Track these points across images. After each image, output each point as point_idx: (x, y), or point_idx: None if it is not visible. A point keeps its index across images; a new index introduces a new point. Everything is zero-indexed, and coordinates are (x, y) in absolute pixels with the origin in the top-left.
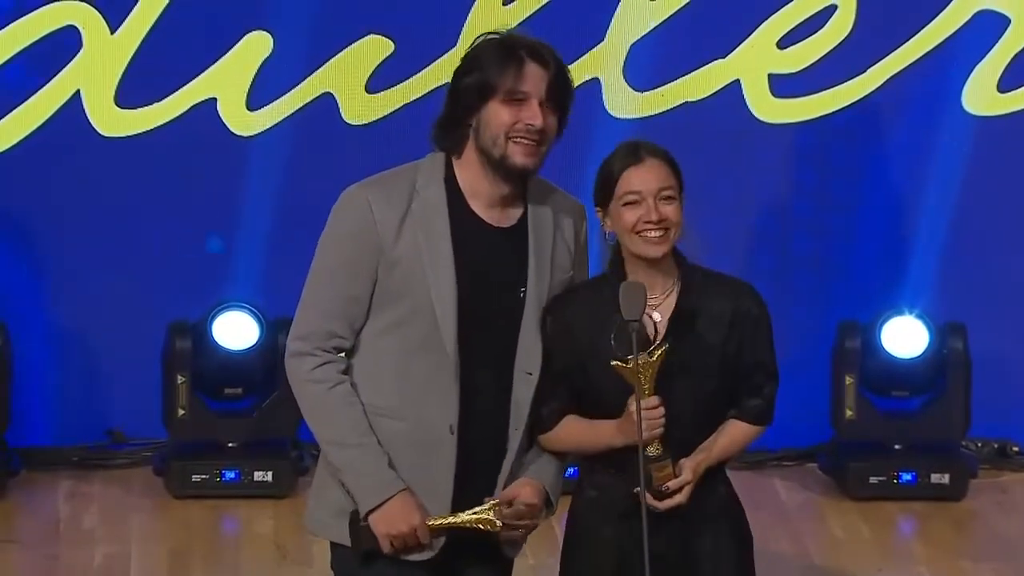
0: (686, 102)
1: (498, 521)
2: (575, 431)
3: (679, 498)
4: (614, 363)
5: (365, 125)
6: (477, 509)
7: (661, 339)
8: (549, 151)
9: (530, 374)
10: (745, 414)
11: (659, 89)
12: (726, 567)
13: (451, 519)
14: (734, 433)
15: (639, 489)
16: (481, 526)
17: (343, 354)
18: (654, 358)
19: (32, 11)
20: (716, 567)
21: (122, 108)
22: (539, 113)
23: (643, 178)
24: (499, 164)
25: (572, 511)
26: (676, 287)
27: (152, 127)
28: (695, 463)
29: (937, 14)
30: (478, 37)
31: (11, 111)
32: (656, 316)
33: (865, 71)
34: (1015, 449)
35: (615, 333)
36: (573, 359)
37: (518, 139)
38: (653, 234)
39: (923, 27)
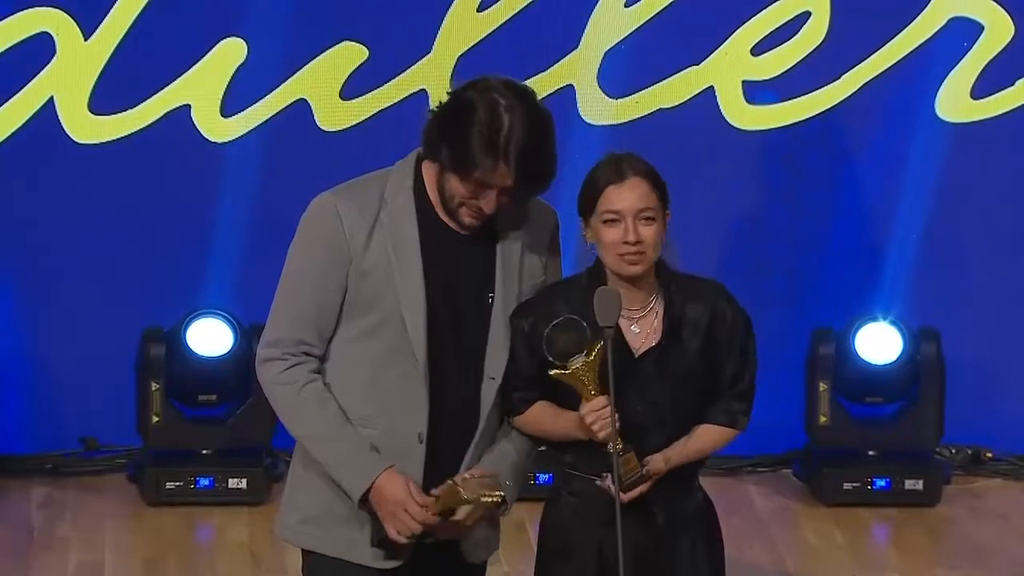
0: (660, 109)
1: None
2: (542, 415)
3: (642, 488)
4: (553, 372)
5: (340, 131)
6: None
7: (654, 347)
8: None
9: (494, 379)
10: (717, 416)
11: (633, 96)
12: (704, 568)
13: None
14: (703, 435)
15: (603, 483)
16: (485, 498)
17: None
18: (591, 358)
19: (5, 18)
20: (696, 569)
21: (96, 114)
22: (494, 202)
23: (624, 198)
24: (449, 213)
25: (549, 519)
26: (659, 298)
27: (126, 133)
28: (665, 457)
29: (911, 21)
30: (476, 89)
31: None
32: (635, 329)
33: (839, 78)
34: (989, 455)
35: (545, 339)
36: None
37: (470, 208)
38: (630, 256)
39: (897, 34)
